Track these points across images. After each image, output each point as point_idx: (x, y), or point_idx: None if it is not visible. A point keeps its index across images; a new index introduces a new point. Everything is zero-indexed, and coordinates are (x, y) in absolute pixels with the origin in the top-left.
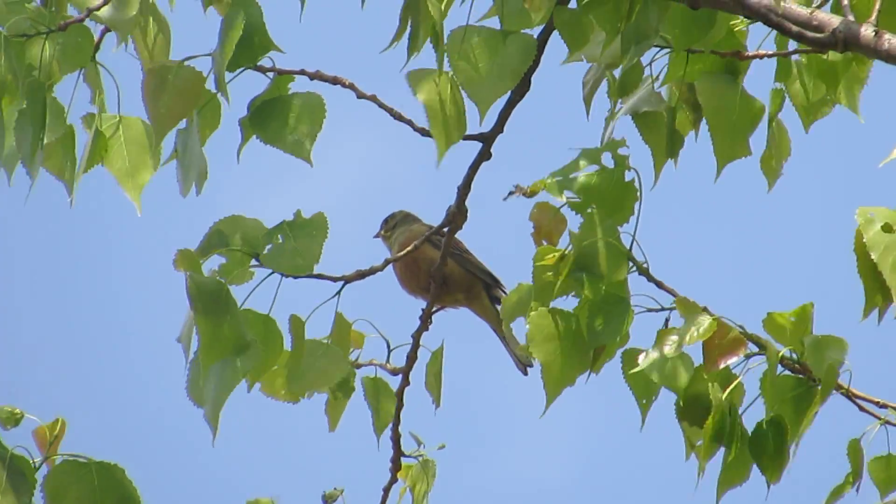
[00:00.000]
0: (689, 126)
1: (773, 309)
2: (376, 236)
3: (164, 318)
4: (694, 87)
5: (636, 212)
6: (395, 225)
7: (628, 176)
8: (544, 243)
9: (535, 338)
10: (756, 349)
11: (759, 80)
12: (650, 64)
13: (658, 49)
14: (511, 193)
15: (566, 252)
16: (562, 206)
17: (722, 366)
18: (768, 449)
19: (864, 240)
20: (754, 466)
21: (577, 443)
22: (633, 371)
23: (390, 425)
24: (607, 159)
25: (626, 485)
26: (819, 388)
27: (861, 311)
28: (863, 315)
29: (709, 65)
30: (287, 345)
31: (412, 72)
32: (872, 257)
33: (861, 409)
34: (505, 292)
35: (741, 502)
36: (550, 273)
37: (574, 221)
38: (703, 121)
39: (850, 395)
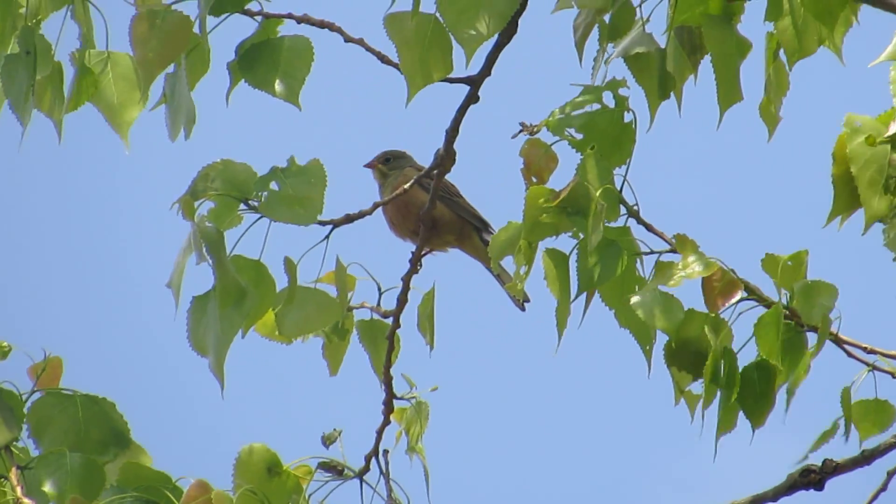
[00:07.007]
0: (687, 70)
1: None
2: (368, 165)
3: (159, 261)
4: (691, 31)
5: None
6: (390, 160)
7: (627, 117)
8: (534, 180)
9: (550, 275)
10: (745, 294)
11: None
12: (640, 5)
13: None
14: (519, 132)
15: (561, 193)
16: (553, 143)
17: (723, 307)
18: (754, 392)
19: (847, 150)
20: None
21: (572, 384)
22: (623, 307)
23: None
24: (608, 98)
25: (622, 429)
26: (807, 333)
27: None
28: (827, 220)
29: (710, 7)
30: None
31: (389, 14)
32: (852, 170)
33: (849, 354)
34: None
35: (732, 448)
36: (545, 215)
37: (565, 159)
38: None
39: (838, 341)
